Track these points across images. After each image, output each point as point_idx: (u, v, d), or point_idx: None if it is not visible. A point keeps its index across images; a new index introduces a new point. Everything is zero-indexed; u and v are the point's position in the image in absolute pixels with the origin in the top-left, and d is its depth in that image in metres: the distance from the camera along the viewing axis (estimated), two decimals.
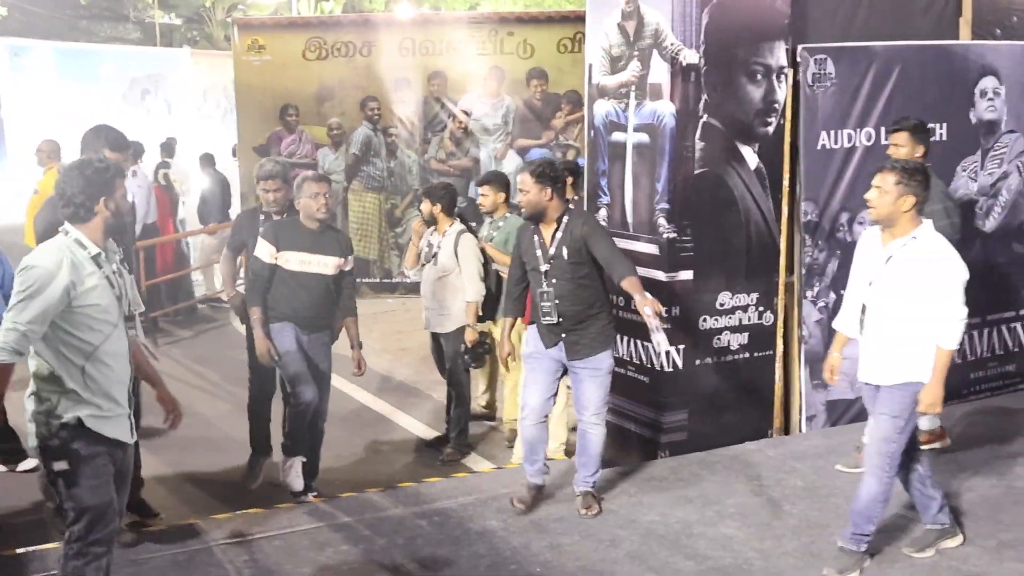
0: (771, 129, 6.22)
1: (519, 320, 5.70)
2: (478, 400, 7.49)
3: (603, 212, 6.39)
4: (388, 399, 8.25)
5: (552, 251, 5.28)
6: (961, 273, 4.57)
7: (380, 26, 12.46)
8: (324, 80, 12.01)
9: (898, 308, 4.56)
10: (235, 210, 12.65)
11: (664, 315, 4.93)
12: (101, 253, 3.83)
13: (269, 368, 6.03)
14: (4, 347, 3.65)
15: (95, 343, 3.78)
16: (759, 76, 6.14)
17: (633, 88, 6.12)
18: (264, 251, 5.77)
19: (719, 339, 6.27)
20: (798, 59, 6.25)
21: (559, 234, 5.27)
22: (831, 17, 6.63)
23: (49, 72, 18.36)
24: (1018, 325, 7.38)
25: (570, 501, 5.51)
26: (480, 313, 6.68)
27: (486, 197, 6.78)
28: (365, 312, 10.01)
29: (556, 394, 5.62)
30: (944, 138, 6.79)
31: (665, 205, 6.01)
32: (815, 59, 6.30)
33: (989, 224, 7.12)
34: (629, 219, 6.23)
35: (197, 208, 13.28)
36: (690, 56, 5.89)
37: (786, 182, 6.33)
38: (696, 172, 6.03)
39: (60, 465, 3.77)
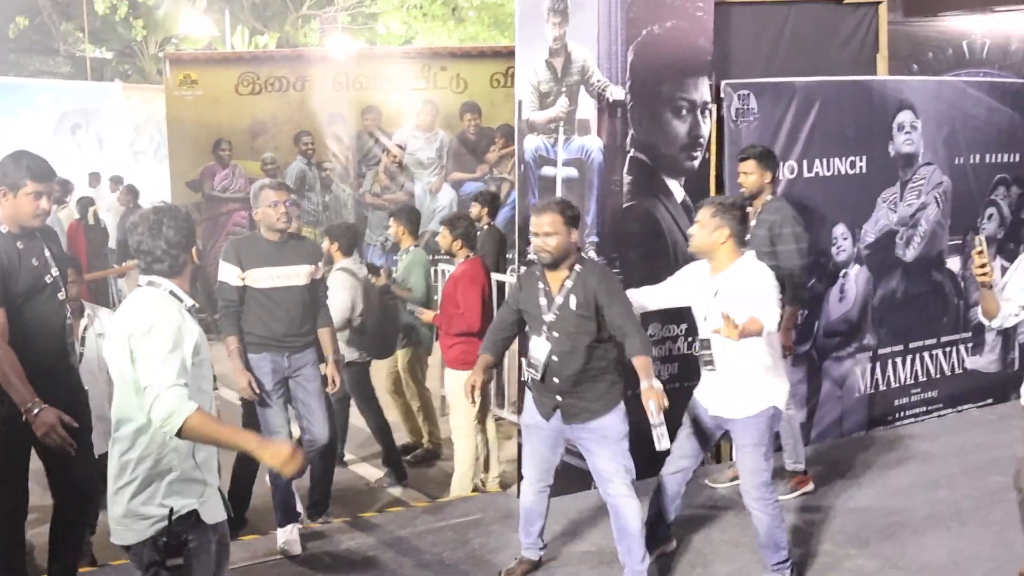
0: (696, 163, 6.35)
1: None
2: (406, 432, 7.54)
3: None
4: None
5: (559, 300, 4.68)
6: (774, 285, 4.61)
7: (314, 61, 12.51)
8: (257, 115, 12.00)
9: (736, 341, 4.39)
10: None
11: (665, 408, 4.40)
12: (195, 305, 3.53)
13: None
14: (179, 403, 3.21)
15: (205, 406, 3.38)
16: (684, 111, 6.27)
17: (562, 123, 6.21)
18: (229, 274, 5.36)
19: None
20: (722, 95, 6.40)
21: (569, 282, 4.67)
22: (753, 53, 6.81)
23: None
24: (939, 352, 7.58)
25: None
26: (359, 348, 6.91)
27: (390, 229, 7.28)
28: None
29: (558, 465, 5.03)
30: (864, 170, 6.99)
31: (594, 238, 6.10)
32: (738, 94, 6.46)
33: (909, 254, 7.32)
34: None
35: (117, 244, 12.79)
36: (616, 92, 6.01)
37: None
38: (624, 205, 6.14)
39: (174, 561, 3.35)
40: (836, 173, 6.90)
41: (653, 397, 4.36)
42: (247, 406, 5.63)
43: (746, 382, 4.73)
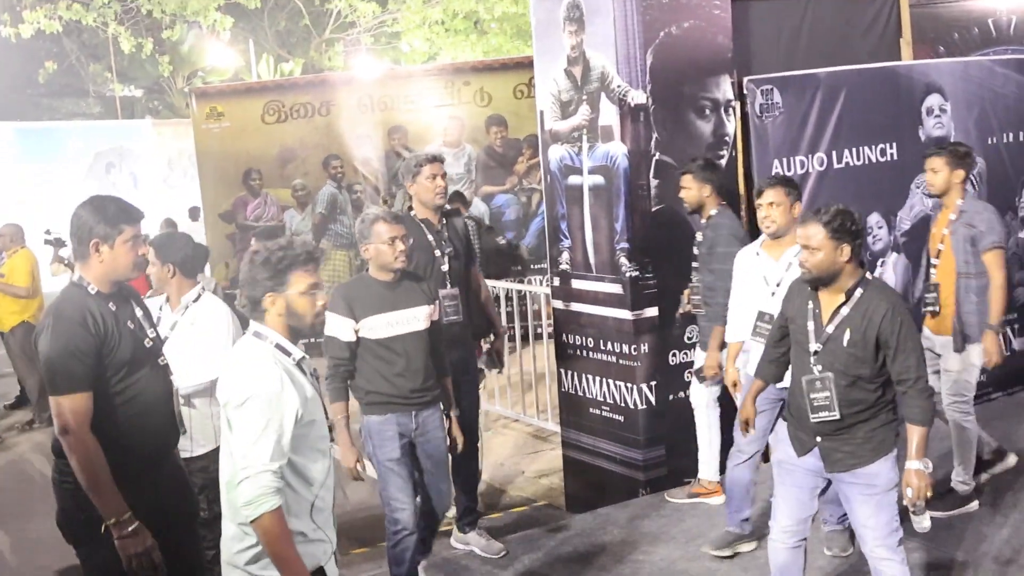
0: (723, 162, 6.30)
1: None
2: None
3: (565, 255, 6.45)
4: None
5: (830, 330, 3.94)
6: None
7: (337, 85, 12.58)
8: (285, 142, 12.08)
9: None
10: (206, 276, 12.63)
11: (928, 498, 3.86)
12: (305, 358, 3.24)
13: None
14: (264, 493, 3.00)
15: (323, 469, 3.23)
16: (707, 111, 6.23)
17: (585, 131, 6.20)
18: (340, 328, 4.68)
19: (690, 373, 6.31)
20: (744, 91, 6.35)
21: (845, 309, 3.92)
22: (773, 47, 6.76)
23: (11, 153, 18.39)
24: None
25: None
26: None
27: None
28: None
29: (816, 513, 4.29)
30: (895, 157, 6.90)
31: (625, 244, 6.06)
32: (761, 90, 6.40)
33: None
34: (591, 260, 6.28)
35: None
36: (638, 96, 5.98)
37: (743, 212, 6.41)
38: (653, 209, 6.09)
39: None
40: (867, 162, 6.81)
41: (916, 485, 3.83)
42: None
43: None
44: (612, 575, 5.21)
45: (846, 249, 3.87)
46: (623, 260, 6.08)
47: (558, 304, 6.55)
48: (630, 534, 5.67)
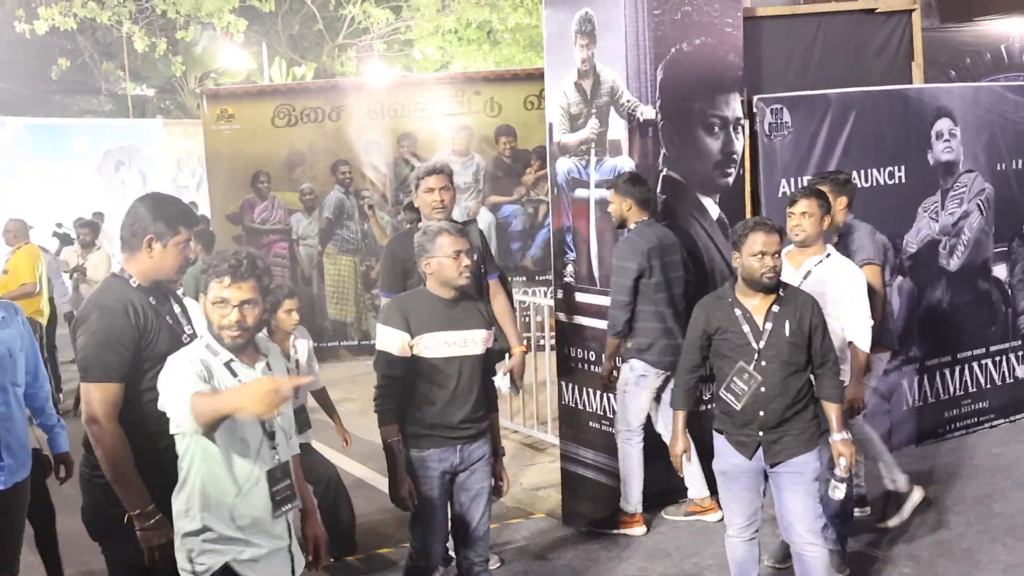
0: (731, 179, 6.30)
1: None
2: None
3: (570, 268, 6.44)
4: (370, 464, 7.67)
5: (769, 325, 4.35)
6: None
7: (348, 90, 12.58)
8: (294, 146, 12.08)
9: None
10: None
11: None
12: (232, 360, 3.38)
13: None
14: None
15: (245, 474, 3.35)
16: (716, 128, 6.22)
17: (593, 145, 6.20)
18: (393, 340, 4.26)
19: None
20: (754, 110, 6.35)
21: (777, 308, 4.36)
22: (784, 66, 6.76)
23: (21, 148, 18.43)
24: (989, 362, 7.43)
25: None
26: None
27: None
28: (344, 375, 10.12)
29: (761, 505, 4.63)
30: (903, 180, 6.89)
31: None
32: (771, 109, 6.40)
33: (953, 263, 7.20)
34: (595, 274, 6.27)
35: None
36: (647, 112, 5.98)
37: None
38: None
39: None
40: (875, 184, 6.81)
41: (848, 453, 4.34)
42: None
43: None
44: None
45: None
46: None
47: (561, 316, 6.54)
48: (626, 550, 5.65)
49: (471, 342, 4.32)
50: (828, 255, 5.08)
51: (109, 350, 3.55)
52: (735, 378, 4.37)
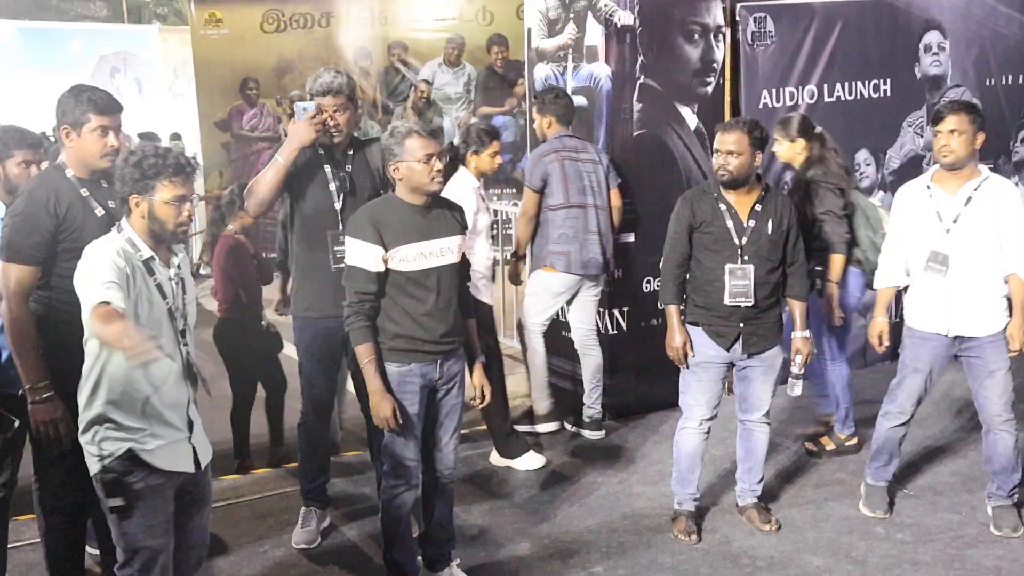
0: (710, 89, 6.20)
1: None
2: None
3: None
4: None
5: (752, 223, 4.47)
6: None
7: None
8: (284, 53, 11.92)
9: (985, 252, 4.47)
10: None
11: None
12: (154, 258, 3.33)
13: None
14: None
15: (161, 369, 3.31)
16: (696, 36, 6.11)
17: (570, 51, 6.09)
18: (365, 255, 3.96)
19: None
20: (736, 18, 6.22)
21: (759, 207, 4.49)
22: None
23: (13, 53, 18.21)
24: None
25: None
26: None
27: None
28: None
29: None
30: (888, 94, 6.79)
31: None
32: (754, 17, 6.27)
33: None
34: None
35: None
36: (625, 17, 5.87)
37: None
38: (635, 134, 6.02)
39: (114, 501, 3.27)
40: (859, 97, 6.72)
41: (805, 350, 4.63)
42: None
43: (992, 298, 4.54)
44: (568, 497, 5.24)
45: (759, 156, 4.47)
46: None
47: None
48: (591, 457, 5.70)
49: (447, 250, 4.06)
50: (986, 177, 4.52)
51: (26, 235, 3.72)
52: (728, 277, 4.48)
